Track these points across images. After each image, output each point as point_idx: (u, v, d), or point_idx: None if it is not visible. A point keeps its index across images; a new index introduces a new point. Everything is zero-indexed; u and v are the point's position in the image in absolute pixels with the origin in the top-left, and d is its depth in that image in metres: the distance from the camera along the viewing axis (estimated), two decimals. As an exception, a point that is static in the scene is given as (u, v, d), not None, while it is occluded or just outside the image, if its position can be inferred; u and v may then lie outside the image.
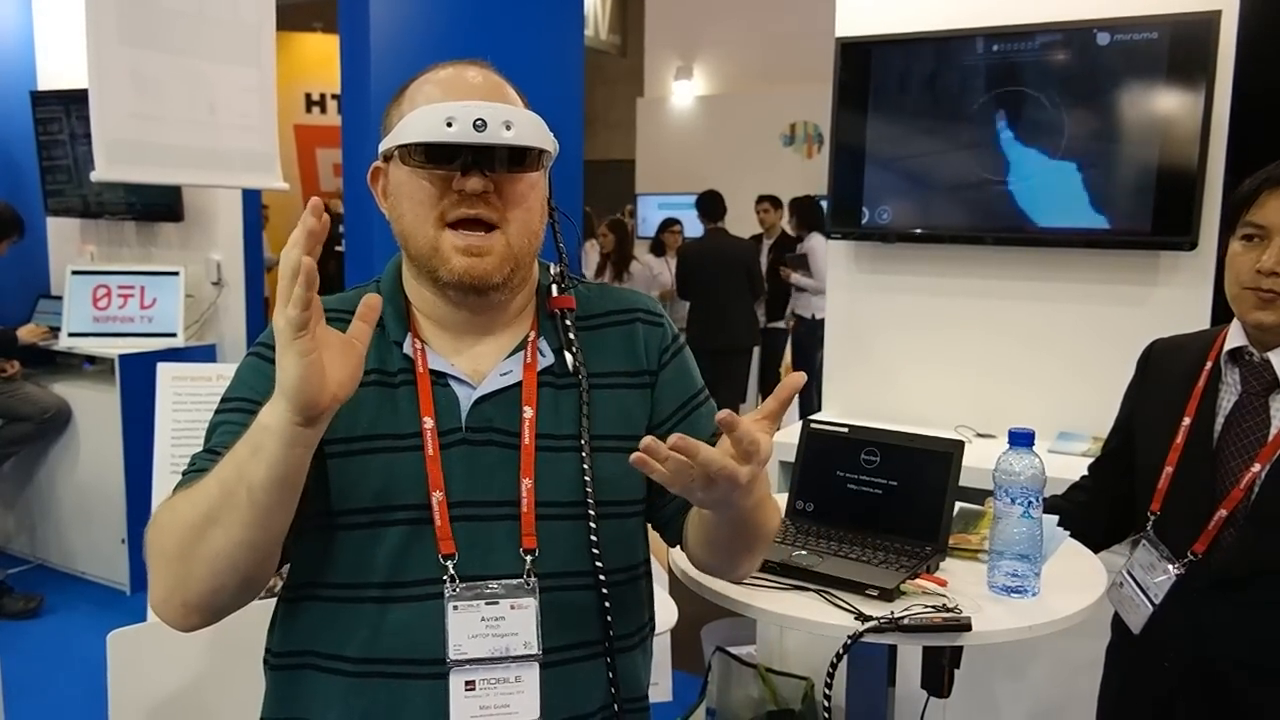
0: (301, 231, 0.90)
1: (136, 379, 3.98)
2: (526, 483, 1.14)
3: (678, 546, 1.29)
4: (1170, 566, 1.62)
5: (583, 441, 1.16)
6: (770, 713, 2.59)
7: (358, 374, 0.98)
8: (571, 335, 1.21)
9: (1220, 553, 1.58)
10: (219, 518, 0.98)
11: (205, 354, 4.43)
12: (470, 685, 1.10)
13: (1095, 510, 1.85)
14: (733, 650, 2.69)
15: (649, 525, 1.29)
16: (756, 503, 1.08)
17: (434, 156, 1.09)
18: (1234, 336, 1.65)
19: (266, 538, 1.00)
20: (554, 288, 1.24)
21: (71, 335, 4.38)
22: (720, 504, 1.02)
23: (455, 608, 1.10)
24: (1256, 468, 1.56)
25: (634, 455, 0.95)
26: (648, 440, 0.93)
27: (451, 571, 1.11)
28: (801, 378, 1.01)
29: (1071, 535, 1.79)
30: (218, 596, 1.03)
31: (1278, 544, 1.54)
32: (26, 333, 4.41)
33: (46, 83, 4.91)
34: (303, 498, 1.11)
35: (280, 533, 1.02)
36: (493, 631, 1.11)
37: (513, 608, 1.11)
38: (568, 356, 1.19)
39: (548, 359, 1.20)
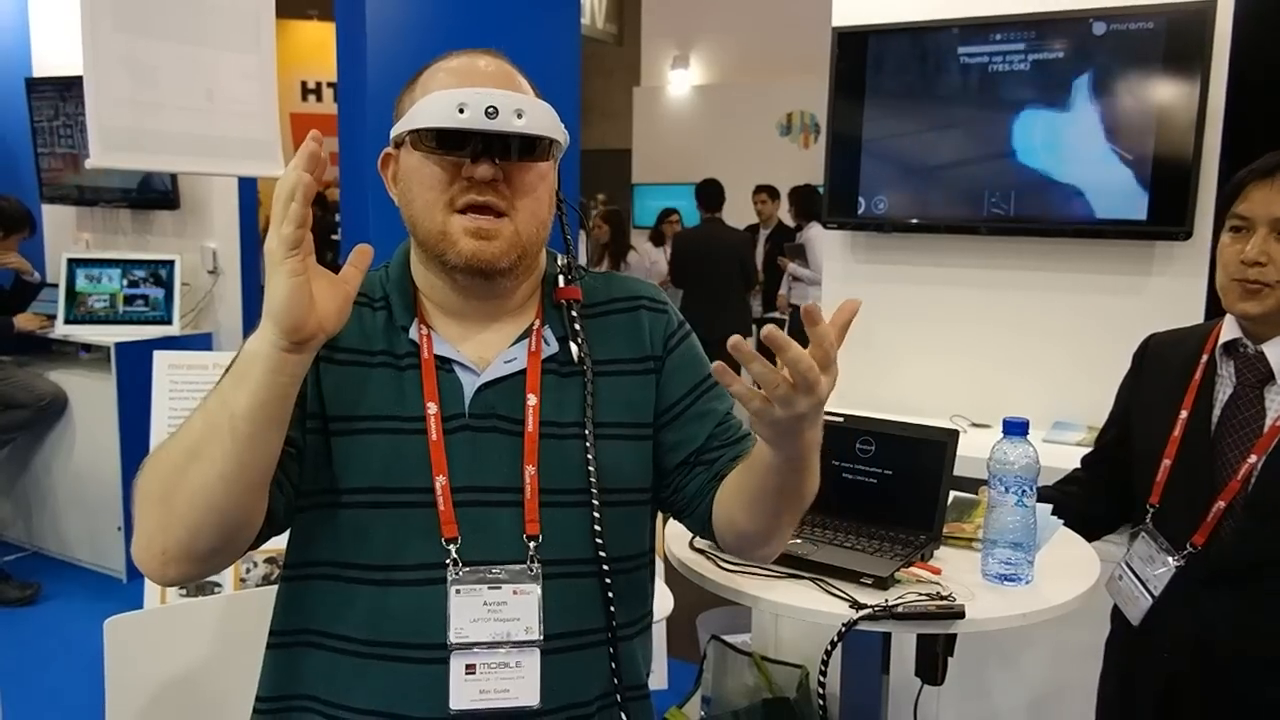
0: (303, 153, 0.93)
1: (132, 367, 3.99)
2: (530, 469, 1.15)
3: (702, 533, 1.24)
4: (1170, 558, 1.62)
5: (586, 431, 1.17)
6: (765, 700, 2.60)
7: (345, 312, 1.00)
8: (577, 326, 1.21)
9: (1219, 544, 1.58)
10: (201, 451, 0.99)
11: (201, 342, 4.43)
12: (471, 669, 1.11)
13: (1087, 503, 1.85)
14: (728, 638, 2.69)
15: (669, 515, 1.28)
16: (813, 443, 1.02)
17: (445, 142, 1.10)
18: (1229, 329, 1.67)
19: (246, 473, 1.00)
20: (561, 278, 1.24)
21: (67, 323, 4.37)
22: (790, 432, 0.97)
23: (458, 591, 1.11)
24: (1253, 459, 1.57)
25: (715, 365, 0.96)
26: (734, 339, 0.93)
27: (454, 555, 1.11)
28: (857, 304, 0.94)
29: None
30: (196, 542, 1.01)
31: (1276, 534, 1.55)
32: (23, 320, 4.40)
33: (42, 70, 4.90)
34: (305, 473, 1.12)
35: (262, 474, 1.02)
36: (495, 616, 1.11)
37: (515, 593, 1.12)
38: (572, 346, 1.20)
39: (552, 347, 1.21)
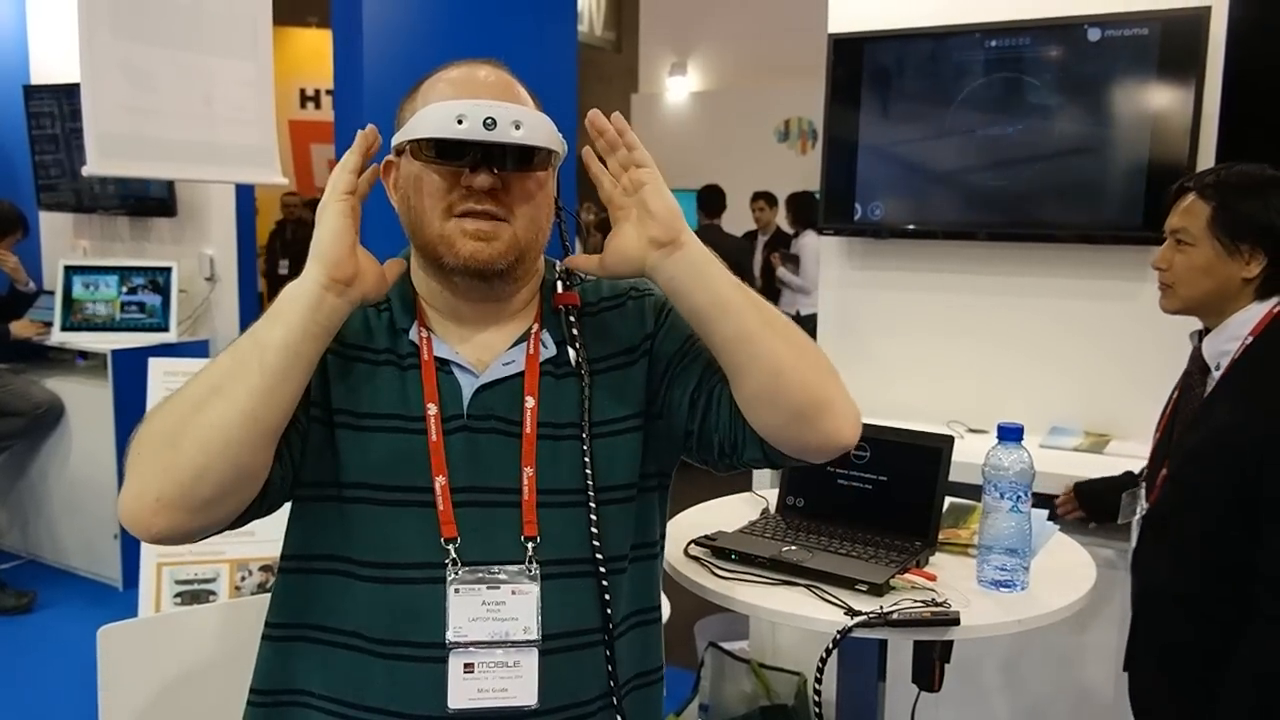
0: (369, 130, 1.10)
1: (129, 374, 3.97)
2: (528, 471, 1.16)
3: (765, 458, 1.20)
4: (1138, 515, 1.88)
5: (584, 435, 1.18)
6: (763, 708, 2.60)
7: (381, 287, 1.11)
8: (575, 331, 1.22)
9: (1156, 505, 1.81)
10: (225, 387, 1.03)
11: (198, 349, 4.42)
12: (469, 668, 1.12)
13: None
14: (725, 645, 2.69)
15: (733, 466, 1.22)
16: (670, 214, 1.11)
17: (444, 152, 1.11)
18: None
19: (267, 413, 1.02)
20: (559, 284, 1.25)
21: (64, 330, 4.37)
22: (643, 213, 1.10)
23: (456, 590, 1.12)
24: None
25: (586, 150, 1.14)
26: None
27: (453, 555, 1.12)
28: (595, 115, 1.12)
29: None
30: (197, 487, 1.01)
31: (1173, 498, 1.75)
32: (19, 328, 4.40)
33: (40, 77, 4.91)
34: (307, 459, 1.14)
35: (279, 421, 1.04)
36: (493, 615, 1.12)
37: (514, 593, 1.13)
38: (570, 351, 1.21)
39: (550, 350, 1.22)
